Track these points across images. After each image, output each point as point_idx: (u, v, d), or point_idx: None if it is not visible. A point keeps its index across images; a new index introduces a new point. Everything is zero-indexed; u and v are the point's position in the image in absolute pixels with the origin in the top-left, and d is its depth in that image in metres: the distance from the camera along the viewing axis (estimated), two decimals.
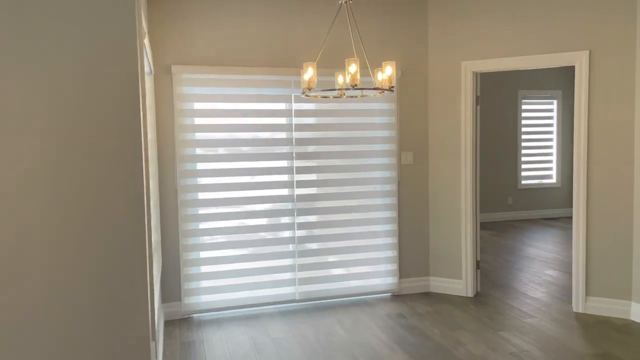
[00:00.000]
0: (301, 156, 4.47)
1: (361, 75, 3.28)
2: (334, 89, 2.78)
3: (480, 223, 8.22)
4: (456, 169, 4.64)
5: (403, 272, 4.81)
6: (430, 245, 4.85)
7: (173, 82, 4.10)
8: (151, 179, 3.06)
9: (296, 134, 4.44)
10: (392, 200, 4.73)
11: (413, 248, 4.83)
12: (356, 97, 3.28)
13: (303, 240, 4.53)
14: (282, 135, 4.40)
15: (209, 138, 4.23)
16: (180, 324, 4.14)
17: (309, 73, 2.81)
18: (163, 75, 4.08)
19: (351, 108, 4.57)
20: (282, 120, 4.40)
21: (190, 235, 4.24)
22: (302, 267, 4.55)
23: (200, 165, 4.25)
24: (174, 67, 4.06)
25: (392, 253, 4.77)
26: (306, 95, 2.98)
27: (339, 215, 4.62)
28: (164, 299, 4.21)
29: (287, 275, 4.52)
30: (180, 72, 4.10)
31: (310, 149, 4.49)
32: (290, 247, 4.51)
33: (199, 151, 4.22)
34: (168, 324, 4.14)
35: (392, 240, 4.76)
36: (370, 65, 4.11)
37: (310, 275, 4.58)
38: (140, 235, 2.11)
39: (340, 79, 3.21)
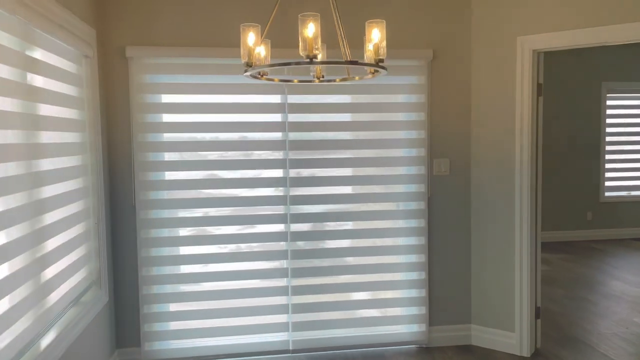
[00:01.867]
0: (297, 164, 3.44)
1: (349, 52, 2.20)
2: (288, 63, 1.70)
3: (551, 244, 6.77)
4: (509, 180, 3.41)
5: (434, 318, 3.65)
6: (472, 283, 3.65)
7: (129, 69, 3.21)
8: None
9: (291, 135, 3.41)
10: (419, 223, 3.58)
11: (448, 287, 3.65)
12: (334, 80, 2.20)
13: (299, 273, 3.50)
14: (274, 136, 3.40)
15: (181, 140, 3.30)
16: None
17: (250, 40, 1.77)
18: (113, 59, 3.20)
19: (365, 101, 3.47)
20: (275, 117, 3.39)
21: (152, 263, 3.33)
22: (298, 308, 3.51)
23: (170, 175, 3.33)
24: (129, 49, 3.17)
25: (419, 292, 3.62)
26: (249, 75, 1.93)
27: (347, 242, 3.54)
28: (119, 343, 3.34)
29: (279, 318, 3.49)
30: (140, 56, 3.20)
31: (309, 154, 3.44)
32: (284, 282, 3.49)
33: (168, 157, 3.31)
34: None
35: (420, 275, 3.61)
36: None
37: (308, 319, 3.53)
38: None
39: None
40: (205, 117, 3.32)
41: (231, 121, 3.34)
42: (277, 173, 3.41)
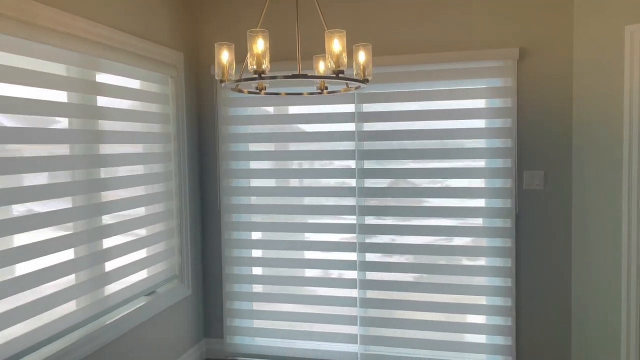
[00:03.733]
0: (369, 174, 3.37)
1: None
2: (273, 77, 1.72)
3: None
4: (616, 197, 2.83)
5: (523, 351, 3.20)
6: (574, 316, 3.11)
7: (216, 85, 3.54)
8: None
9: (364, 145, 3.36)
10: (504, 243, 3.19)
11: (541, 318, 3.17)
12: (338, 91, 2.12)
13: (369, 285, 3.42)
14: (346, 145, 3.39)
15: (261, 150, 3.51)
16: None
17: (225, 57, 1.82)
18: (202, 76, 3.56)
19: (439, 108, 3.23)
20: (346, 127, 3.38)
21: (234, 263, 3.61)
22: (367, 322, 3.43)
23: (251, 182, 3.58)
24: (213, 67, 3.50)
25: (504, 321, 3.22)
26: (247, 92, 1.98)
27: (421, 258, 3.33)
28: (206, 333, 3.69)
29: (348, 329, 3.47)
30: None
31: (381, 164, 3.35)
32: (353, 293, 3.45)
33: (252, 165, 3.56)
34: None
35: (504, 302, 3.21)
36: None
37: (377, 334, 3.42)
38: None
39: (321, 66, 2.12)
40: (284, 127, 3.47)
41: (307, 131, 3.44)
42: (350, 182, 3.39)
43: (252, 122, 3.52)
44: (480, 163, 3.22)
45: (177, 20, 3.30)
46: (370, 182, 3.37)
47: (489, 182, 3.21)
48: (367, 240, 3.39)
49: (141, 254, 3.01)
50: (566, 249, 3.11)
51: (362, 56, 1.88)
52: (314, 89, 2.13)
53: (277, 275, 3.54)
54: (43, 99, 2.29)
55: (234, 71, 1.87)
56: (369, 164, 3.36)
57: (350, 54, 1.86)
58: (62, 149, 2.42)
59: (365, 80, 1.89)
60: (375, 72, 3.26)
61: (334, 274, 3.49)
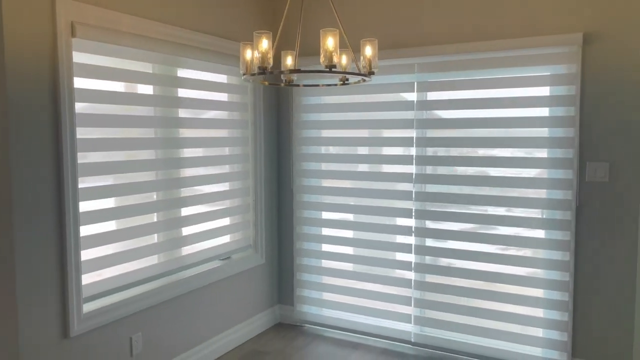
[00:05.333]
0: (427, 161, 3.47)
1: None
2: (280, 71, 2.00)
3: None
4: None
5: (580, 346, 3.08)
6: (638, 314, 2.91)
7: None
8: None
9: (419, 133, 3.47)
10: (563, 236, 3.08)
11: (600, 314, 3.01)
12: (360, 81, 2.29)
13: (424, 269, 3.53)
14: (405, 133, 3.52)
15: (331, 136, 3.80)
16: (288, 331, 3.96)
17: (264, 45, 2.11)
18: None
19: (501, 95, 3.20)
20: (406, 115, 3.51)
21: (303, 239, 3.97)
22: (421, 303, 3.55)
23: (322, 166, 3.89)
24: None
25: (560, 315, 3.12)
26: (269, 83, 2.26)
27: (475, 245, 3.35)
28: (280, 299, 4.12)
29: (402, 309, 3.62)
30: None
31: (434, 151, 3.42)
32: (409, 275, 3.59)
33: (324, 150, 3.87)
34: (282, 327, 4.03)
35: (561, 296, 3.11)
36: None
37: (430, 316, 3.53)
38: None
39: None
40: (352, 115, 3.70)
41: (367, 119, 3.64)
42: (409, 169, 3.52)
43: (323, 110, 3.81)
44: (541, 153, 3.13)
45: (251, 17, 3.71)
46: (430, 169, 3.46)
47: (550, 173, 3.11)
48: (427, 226, 3.50)
49: (218, 223, 3.51)
50: (631, 244, 2.91)
51: (369, 50, 2.06)
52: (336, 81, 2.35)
53: (343, 253, 3.82)
54: (135, 92, 2.85)
55: (270, 61, 2.17)
56: (429, 152, 3.45)
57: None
58: (148, 133, 2.98)
59: (371, 73, 2.06)
60: (436, 60, 3.35)
61: (393, 255, 3.66)
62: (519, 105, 3.15)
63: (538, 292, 3.21)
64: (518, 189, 3.20)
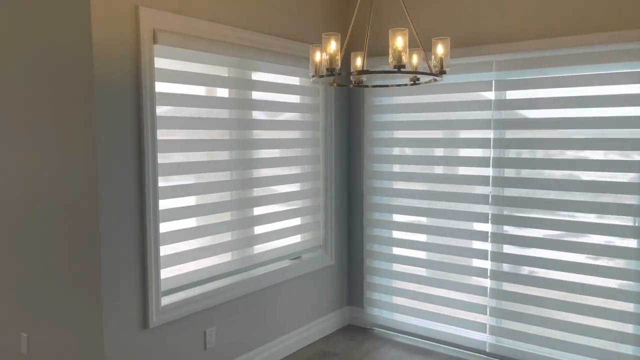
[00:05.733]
0: (509, 163, 3.30)
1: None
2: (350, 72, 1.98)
3: None
4: None
5: None
6: None
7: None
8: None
9: (497, 134, 3.31)
10: None
11: None
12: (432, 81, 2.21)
13: (502, 276, 3.36)
14: (481, 134, 3.38)
15: (403, 137, 3.73)
16: (358, 334, 3.93)
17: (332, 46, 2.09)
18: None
19: (584, 94, 2.98)
20: (483, 115, 3.37)
21: (374, 241, 3.92)
22: (497, 313, 3.38)
23: (396, 168, 3.83)
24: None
25: None
26: (336, 84, 2.25)
27: (561, 254, 3.14)
28: (350, 301, 4.11)
29: (477, 317, 3.48)
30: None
31: (517, 153, 3.24)
32: (485, 282, 3.44)
33: (396, 151, 3.82)
34: (351, 329, 4.02)
35: None
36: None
37: (507, 327, 3.35)
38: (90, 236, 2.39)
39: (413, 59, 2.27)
40: (426, 115, 3.61)
41: (442, 119, 3.53)
42: (485, 172, 3.38)
43: (396, 111, 3.75)
44: (637, 156, 2.87)
45: (323, 20, 3.72)
46: (509, 172, 3.29)
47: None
48: (504, 232, 3.33)
49: (288, 223, 3.56)
50: None
51: (440, 49, 2.00)
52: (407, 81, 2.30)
53: (415, 257, 3.73)
54: (211, 95, 2.96)
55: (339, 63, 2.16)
56: (508, 154, 3.29)
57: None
58: (223, 134, 3.08)
59: (442, 72, 2.00)
60: (516, 57, 3.19)
61: (468, 261, 3.52)
62: (610, 104, 2.92)
63: (628, 306, 2.95)
64: (611, 194, 2.96)
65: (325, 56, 1.96)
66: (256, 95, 3.27)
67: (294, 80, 3.58)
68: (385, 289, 3.90)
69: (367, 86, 2.26)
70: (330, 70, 1.94)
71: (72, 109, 2.45)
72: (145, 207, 2.56)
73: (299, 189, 3.64)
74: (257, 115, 3.28)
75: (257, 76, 3.27)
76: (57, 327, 2.65)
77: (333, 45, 1.93)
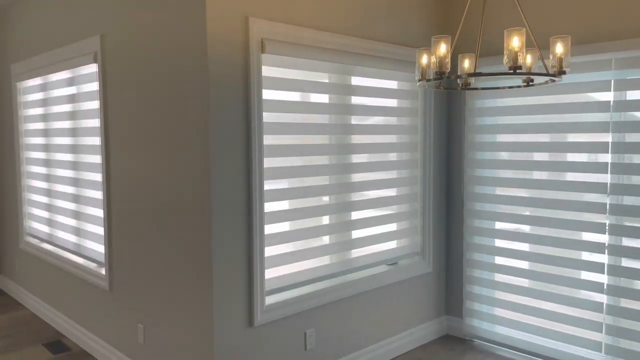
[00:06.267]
0: (626, 169, 3.03)
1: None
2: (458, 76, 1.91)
3: None
4: None
5: None
6: None
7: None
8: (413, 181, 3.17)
9: (616, 137, 3.04)
10: None
11: None
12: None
13: (620, 292, 3.08)
14: (597, 137, 3.13)
15: (506, 141, 3.57)
16: (456, 345, 3.81)
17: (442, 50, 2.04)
18: None
19: None
20: (599, 117, 3.12)
21: (474, 249, 3.77)
22: (615, 331, 3.10)
23: (495, 173, 3.66)
24: None
25: None
26: (443, 88, 2.16)
27: None
28: (447, 310, 3.98)
29: (590, 335, 3.21)
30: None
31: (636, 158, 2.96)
32: (600, 297, 3.17)
33: (499, 156, 3.65)
34: (449, 339, 3.90)
35: None
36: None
37: (626, 347, 3.06)
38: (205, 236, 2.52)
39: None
40: (533, 118, 3.42)
41: (552, 122, 3.32)
42: (602, 178, 3.12)
43: (500, 113, 3.59)
44: None
45: (424, 22, 3.65)
46: (631, 179, 3.02)
47: None
48: (623, 244, 3.06)
49: (386, 228, 3.53)
50: None
51: (559, 48, 1.89)
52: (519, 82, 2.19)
53: (520, 267, 3.54)
54: (312, 101, 3.03)
55: (448, 65, 2.12)
56: (628, 159, 3.02)
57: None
58: (323, 139, 3.12)
59: (562, 73, 1.89)
60: (638, 55, 2.92)
61: (578, 274, 3.27)
62: None
63: None
64: None
65: (434, 59, 1.91)
66: (355, 100, 3.28)
67: (392, 84, 3.55)
68: (487, 300, 3.73)
69: (476, 89, 2.18)
70: (440, 74, 1.89)
71: (188, 115, 2.61)
72: (251, 209, 2.67)
73: (395, 194, 3.60)
74: (356, 119, 3.29)
75: (356, 81, 3.29)
76: (171, 321, 2.84)
77: (443, 48, 1.88)
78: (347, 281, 3.22)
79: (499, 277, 3.67)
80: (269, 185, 2.84)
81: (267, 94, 2.79)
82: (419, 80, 2.12)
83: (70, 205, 3.86)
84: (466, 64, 2.26)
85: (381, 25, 3.33)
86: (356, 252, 3.35)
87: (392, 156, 3.57)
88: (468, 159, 3.77)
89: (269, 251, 2.85)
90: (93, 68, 3.40)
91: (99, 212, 3.47)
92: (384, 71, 3.41)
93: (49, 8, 3.87)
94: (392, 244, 3.59)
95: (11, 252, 4.89)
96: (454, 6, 3.77)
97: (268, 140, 2.81)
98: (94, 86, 3.43)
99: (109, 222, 3.30)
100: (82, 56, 3.43)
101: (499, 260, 3.66)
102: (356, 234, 3.35)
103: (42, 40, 4.02)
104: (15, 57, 4.49)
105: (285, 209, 2.93)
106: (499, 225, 3.67)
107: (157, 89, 2.80)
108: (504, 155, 3.60)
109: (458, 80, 2.24)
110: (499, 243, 3.67)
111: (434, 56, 1.91)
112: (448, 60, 1.90)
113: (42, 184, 4.27)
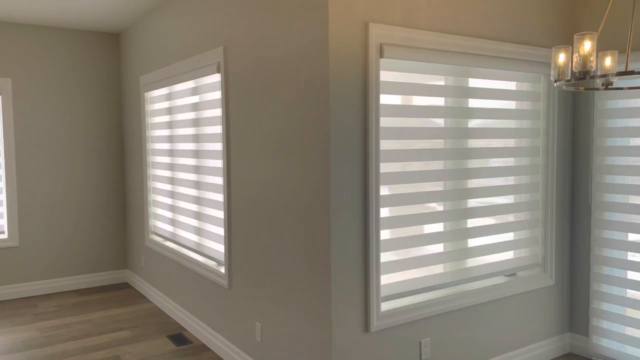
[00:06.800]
0: None
1: None
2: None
3: None
4: None
5: None
6: None
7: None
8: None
9: None
10: None
11: None
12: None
13: None
14: None
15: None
16: None
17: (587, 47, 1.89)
18: None
19: None
20: None
21: (603, 263, 3.46)
22: None
23: (629, 180, 3.35)
24: None
25: None
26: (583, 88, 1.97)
27: None
28: (571, 327, 3.69)
29: None
30: None
31: None
32: None
33: (633, 161, 3.34)
34: (573, 358, 3.62)
35: None
36: None
37: None
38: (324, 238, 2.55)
39: None
40: None
41: None
42: None
43: (634, 115, 3.27)
44: None
45: (548, 20, 3.43)
46: None
47: None
48: None
49: (504, 237, 3.36)
50: None
51: None
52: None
53: None
54: (427, 104, 2.97)
55: (592, 63, 1.97)
56: None
57: None
58: (438, 144, 3.05)
59: None
60: None
61: None
62: None
63: None
64: None
65: (576, 58, 1.78)
66: (472, 102, 3.17)
67: (511, 85, 3.38)
68: (616, 318, 3.41)
69: (620, 89, 2.00)
70: (584, 73, 1.75)
71: (308, 122, 2.68)
72: (368, 213, 2.66)
73: (514, 201, 3.41)
74: (472, 123, 3.17)
75: (473, 83, 3.17)
76: (288, 321, 2.91)
77: (587, 46, 1.75)
78: (463, 291, 3.11)
79: (631, 294, 3.34)
80: (384, 191, 2.82)
81: (385, 99, 2.78)
82: (556, 81, 1.98)
83: (192, 207, 4.12)
84: (607, 61, 2.08)
85: (501, 24, 3.18)
86: (472, 262, 3.22)
87: (511, 161, 3.39)
88: (596, 165, 3.48)
89: (384, 257, 2.83)
90: (216, 78, 3.61)
91: (220, 214, 3.66)
92: (503, 72, 3.26)
93: (174, 24, 4.18)
94: (509, 254, 3.41)
95: (137, 249, 5.34)
96: (578, 1, 3.51)
97: (384, 145, 2.79)
98: (217, 95, 3.64)
99: (229, 223, 3.48)
100: (206, 67, 3.65)
101: (632, 275, 3.33)
102: (472, 242, 3.22)
103: (167, 54, 4.34)
104: (144, 69, 4.90)
105: (400, 215, 2.89)
106: (632, 237, 3.34)
107: (278, 96, 2.90)
108: (638, 161, 3.27)
109: (598, 80, 2.07)
110: (632, 256, 3.33)
111: (576, 55, 1.78)
112: (593, 58, 1.75)
113: (166, 187, 4.60)
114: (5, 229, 5.09)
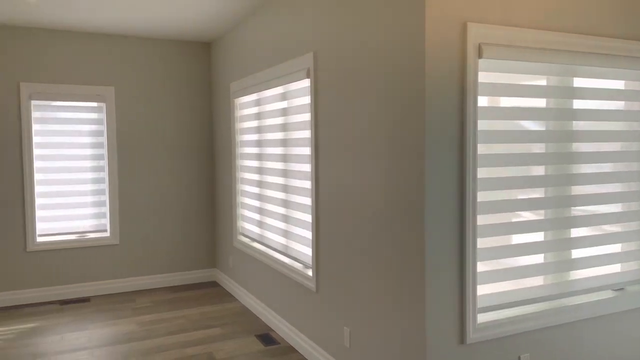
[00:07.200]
0: None
1: None
2: None
3: None
4: None
5: None
6: None
7: None
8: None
9: None
10: None
11: None
12: None
13: None
14: None
15: None
16: None
17: None
18: None
19: None
20: None
21: None
22: None
23: None
24: None
25: None
26: None
27: None
28: None
29: None
30: None
31: None
32: None
33: None
34: None
35: None
36: None
37: None
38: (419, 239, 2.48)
39: None
40: None
41: None
42: None
43: None
44: None
45: None
46: None
47: None
48: None
49: (610, 248, 3.11)
50: None
51: None
52: None
53: None
54: (525, 106, 2.81)
55: None
56: None
57: None
58: (539, 148, 2.88)
59: None
60: None
61: None
62: None
63: None
64: None
65: None
66: (576, 103, 2.96)
67: (619, 84, 3.12)
68: None
69: None
70: None
71: (402, 125, 2.63)
72: (464, 220, 2.56)
73: (621, 210, 3.14)
74: (577, 125, 2.96)
75: (578, 82, 2.96)
76: (379, 328, 2.87)
77: None
78: (566, 305, 2.91)
79: None
80: (480, 197, 2.70)
81: (483, 101, 2.67)
82: None
83: (280, 210, 4.19)
84: None
85: (608, 19, 2.95)
86: (575, 274, 3.01)
87: (619, 166, 3.13)
88: None
89: (480, 266, 2.71)
90: (305, 83, 3.65)
91: (308, 217, 3.70)
92: (611, 70, 3.01)
93: (263, 32, 4.28)
94: (616, 267, 3.14)
95: (226, 249, 5.53)
96: None
97: (481, 149, 2.68)
98: (305, 100, 3.68)
99: (317, 226, 3.50)
100: (296, 72, 3.70)
101: None
102: (576, 253, 3.01)
103: (257, 61, 4.46)
104: (234, 76, 5.07)
105: (498, 223, 2.76)
106: None
107: (368, 100, 2.88)
108: None
109: None
110: None
111: None
112: None
113: (254, 189, 4.73)
114: (108, 227, 5.48)
